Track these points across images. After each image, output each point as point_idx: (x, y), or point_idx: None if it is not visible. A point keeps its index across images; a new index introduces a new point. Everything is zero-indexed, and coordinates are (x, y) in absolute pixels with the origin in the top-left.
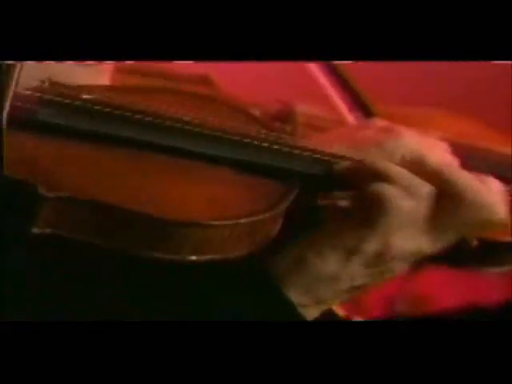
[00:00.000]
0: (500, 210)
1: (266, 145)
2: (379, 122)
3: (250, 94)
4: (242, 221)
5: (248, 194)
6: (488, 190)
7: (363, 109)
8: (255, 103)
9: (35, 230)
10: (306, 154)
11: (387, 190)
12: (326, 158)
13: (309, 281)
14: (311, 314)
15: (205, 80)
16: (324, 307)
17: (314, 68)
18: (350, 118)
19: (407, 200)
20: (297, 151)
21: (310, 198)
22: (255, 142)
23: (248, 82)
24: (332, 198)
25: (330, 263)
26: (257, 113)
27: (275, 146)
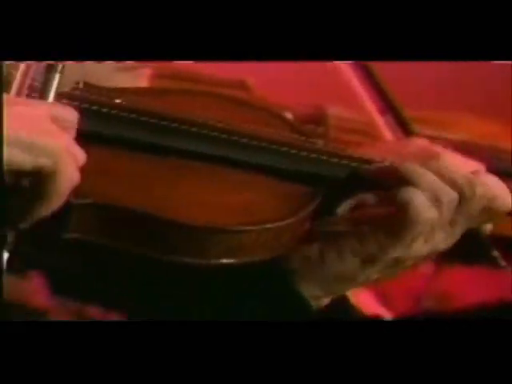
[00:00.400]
0: (499, 200)
1: (294, 151)
2: (418, 142)
3: (284, 96)
4: (270, 226)
5: (275, 199)
6: (489, 184)
7: (393, 112)
8: (288, 106)
9: (65, 236)
10: (333, 159)
11: (416, 198)
12: (354, 162)
13: (325, 277)
14: (322, 303)
15: (242, 85)
16: (335, 296)
17: (346, 69)
18: (381, 120)
19: (433, 210)
20: (324, 156)
21: (336, 201)
22: (284, 148)
23: (282, 85)
24: (357, 203)
25: (348, 265)
26: (290, 116)
27: (303, 153)
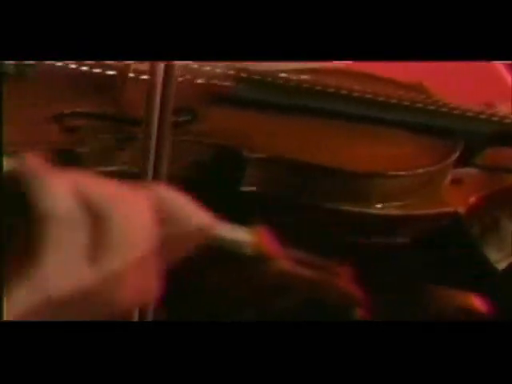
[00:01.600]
0: None
1: (432, 108)
2: None
3: (456, 95)
4: (418, 171)
5: (420, 150)
6: None
7: None
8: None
9: (243, 189)
10: (468, 114)
11: None
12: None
13: (502, 240)
14: (501, 266)
15: (419, 87)
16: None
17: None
18: None
19: None
20: (458, 112)
21: (476, 154)
22: (424, 106)
23: (453, 85)
24: None
25: None
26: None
27: (443, 109)
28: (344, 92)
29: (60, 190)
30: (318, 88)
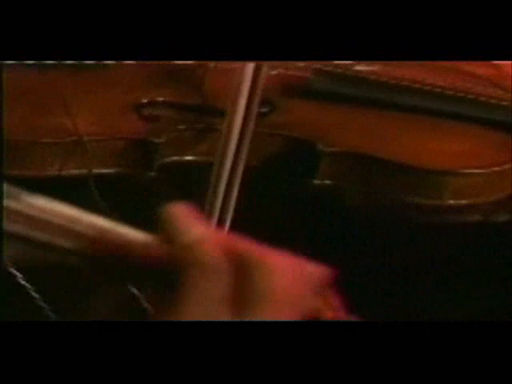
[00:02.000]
0: None
1: (505, 103)
2: None
3: None
4: (493, 169)
5: (493, 147)
6: None
7: None
8: None
9: (316, 182)
10: None
11: None
12: None
13: None
14: None
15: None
16: None
17: None
18: None
19: None
20: None
21: None
22: (494, 101)
23: None
24: None
25: None
26: None
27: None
28: (417, 85)
29: (209, 239)
30: (390, 81)
